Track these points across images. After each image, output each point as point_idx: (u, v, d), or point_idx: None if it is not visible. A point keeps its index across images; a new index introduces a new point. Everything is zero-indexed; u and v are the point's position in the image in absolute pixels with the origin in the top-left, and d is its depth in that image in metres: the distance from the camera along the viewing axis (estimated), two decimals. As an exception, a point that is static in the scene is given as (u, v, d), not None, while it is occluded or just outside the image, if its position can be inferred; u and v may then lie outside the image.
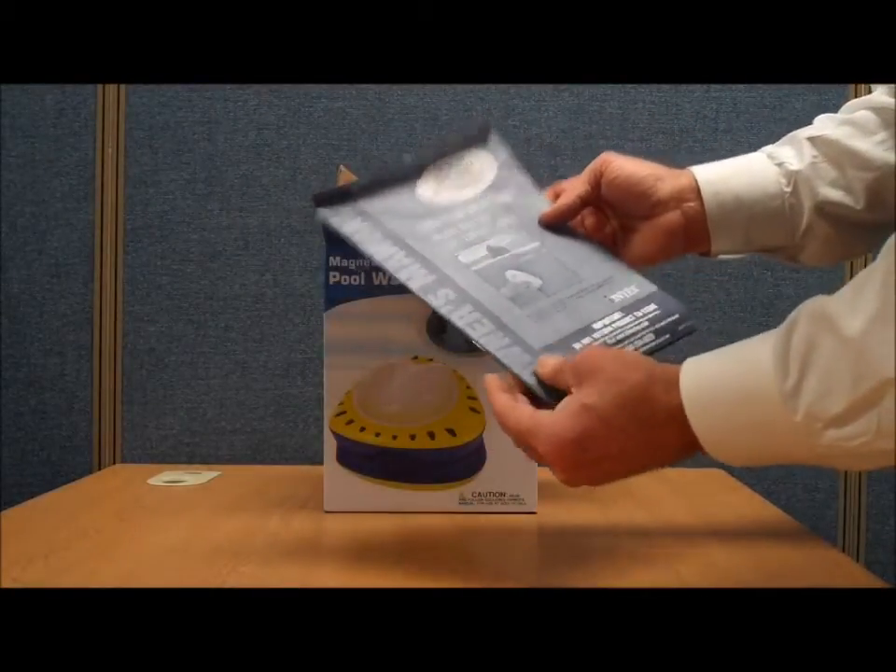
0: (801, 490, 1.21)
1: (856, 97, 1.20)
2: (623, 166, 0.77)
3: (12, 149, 1.22)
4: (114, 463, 1.21)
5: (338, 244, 0.88)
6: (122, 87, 1.21)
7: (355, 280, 0.88)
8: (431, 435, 0.88)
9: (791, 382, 0.54)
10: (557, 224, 0.78)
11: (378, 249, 0.72)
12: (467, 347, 0.88)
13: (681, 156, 1.21)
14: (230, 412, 1.22)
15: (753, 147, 0.80)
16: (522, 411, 0.64)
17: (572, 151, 1.22)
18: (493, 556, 0.79)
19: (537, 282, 0.72)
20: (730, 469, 1.16)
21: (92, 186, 1.21)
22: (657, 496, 1.01)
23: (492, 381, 0.66)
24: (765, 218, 0.76)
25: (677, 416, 0.58)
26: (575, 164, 1.22)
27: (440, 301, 0.69)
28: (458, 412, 0.88)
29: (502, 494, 0.89)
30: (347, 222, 0.73)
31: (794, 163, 0.77)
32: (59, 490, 1.04)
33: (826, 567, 0.73)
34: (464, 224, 0.76)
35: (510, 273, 0.72)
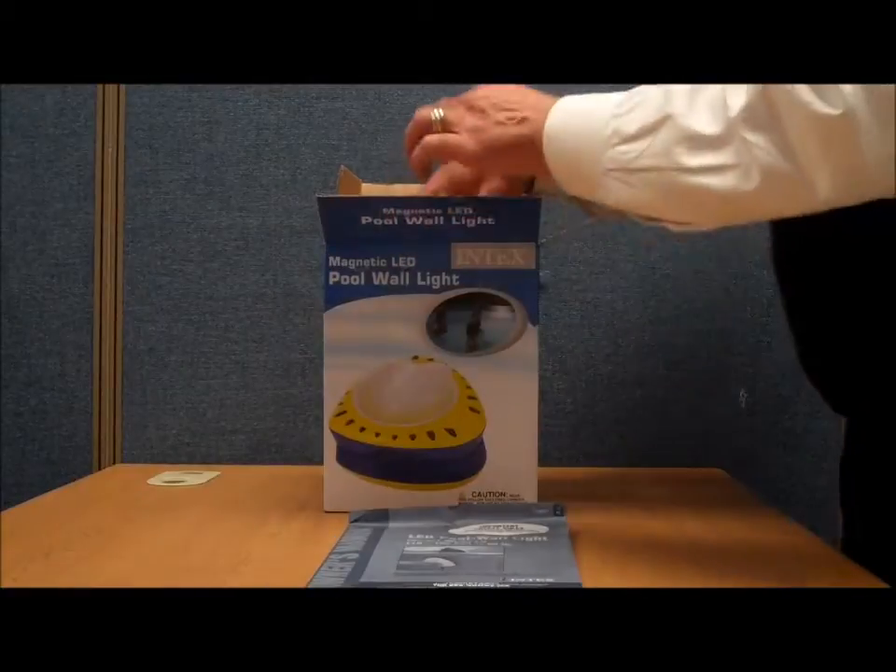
0: (801, 490, 1.21)
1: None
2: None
3: (12, 149, 1.22)
4: (114, 463, 1.21)
5: (338, 243, 0.88)
6: (122, 87, 1.21)
7: (355, 280, 0.88)
8: (431, 435, 0.88)
9: (620, 109, 0.67)
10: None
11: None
12: (467, 348, 0.88)
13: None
14: (230, 412, 1.22)
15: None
16: None
17: (572, 151, 1.22)
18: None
19: (449, 564, 0.71)
20: (730, 469, 1.16)
21: (92, 186, 1.21)
22: (657, 496, 1.01)
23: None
24: None
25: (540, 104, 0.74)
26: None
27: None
28: (458, 411, 0.88)
29: (502, 493, 0.89)
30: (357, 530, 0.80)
31: None
32: (59, 490, 1.04)
33: (826, 567, 0.73)
34: (452, 541, 0.77)
35: (429, 560, 0.72)
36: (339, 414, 0.88)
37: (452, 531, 0.80)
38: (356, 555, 0.73)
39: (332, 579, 0.67)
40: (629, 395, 1.21)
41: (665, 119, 0.64)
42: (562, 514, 0.83)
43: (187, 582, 0.68)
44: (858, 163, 0.58)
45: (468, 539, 0.77)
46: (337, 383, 0.88)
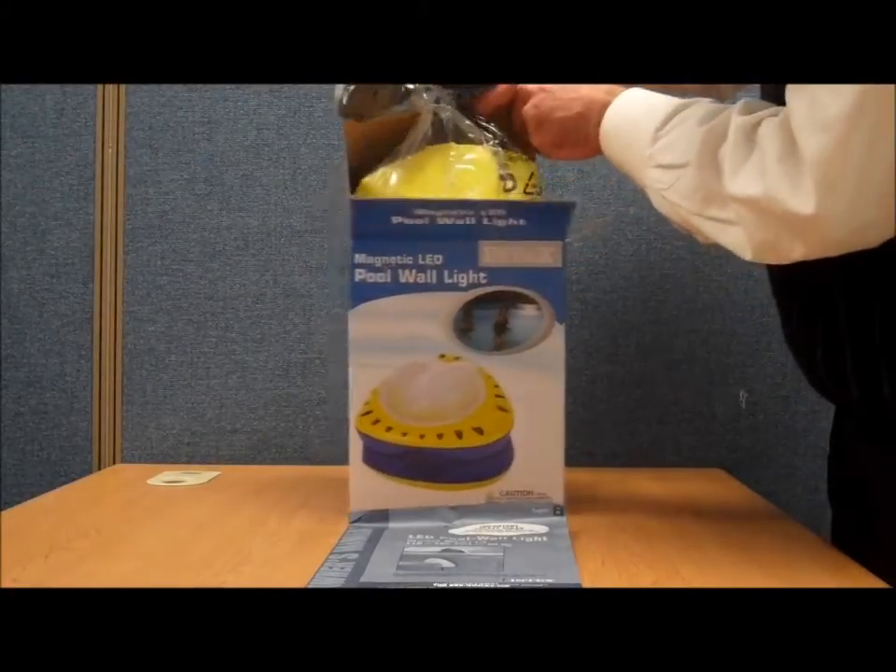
0: (801, 490, 1.21)
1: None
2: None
3: (12, 149, 1.22)
4: (114, 463, 1.21)
5: (364, 239, 0.87)
6: (122, 87, 1.21)
7: (381, 278, 0.86)
8: (459, 434, 0.87)
9: (661, 132, 0.77)
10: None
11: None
12: (494, 346, 0.87)
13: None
14: (230, 412, 1.22)
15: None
16: None
17: (572, 151, 1.22)
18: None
19: (449, 565, 0.72)
20: (730, 469, 1.16)
21: (92, 186, 1.22)
22: (657, 495, 1.01)
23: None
24: None
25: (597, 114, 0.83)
26: (573, 164, 1.22)
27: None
28: (486, 410, 0.87)
29: (529, 492, 0.88)
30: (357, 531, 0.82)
31: None
32: (59, 490, 1.04)
33: (826, 567, 0.73)
34: (451, 541, 0.77)
35: (429, 560, 0.72)
36: (365, 414, 0.87)
37: (452, 531, 0.80)
38: (356, 556, 0.73)
39: (332, 579, 0.67)
40: (629, 395, 1.21)
41: (685, 165, 0.74)
42: (562, 514, 0.83)
43: (187, 582, 0.68)
44: (828, 246, 0.68)
45: (467, 539, 0.77)
46: (363, 382, 0.87)
